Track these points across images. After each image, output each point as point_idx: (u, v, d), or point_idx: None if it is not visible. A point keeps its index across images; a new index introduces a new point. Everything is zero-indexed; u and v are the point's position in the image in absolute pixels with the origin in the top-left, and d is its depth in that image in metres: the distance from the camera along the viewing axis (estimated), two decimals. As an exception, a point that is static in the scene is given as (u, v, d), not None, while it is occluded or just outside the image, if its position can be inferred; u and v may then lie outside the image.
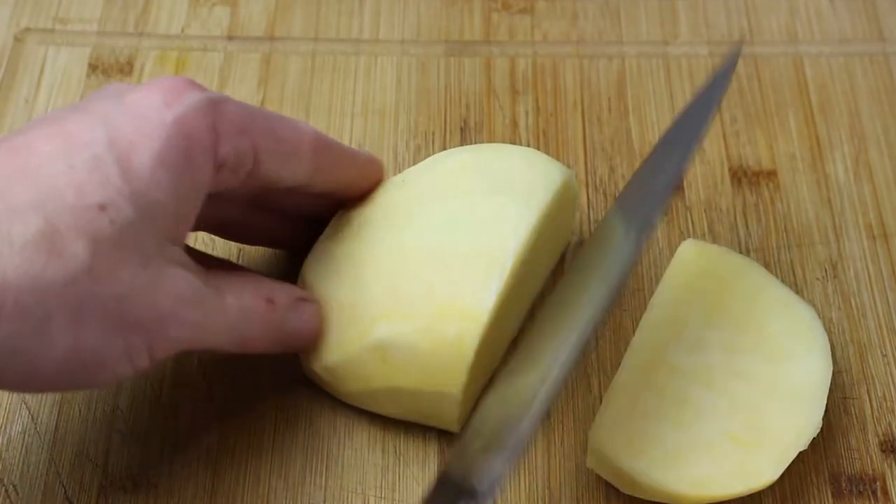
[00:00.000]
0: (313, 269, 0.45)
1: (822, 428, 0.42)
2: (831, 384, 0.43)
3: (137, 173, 0.36)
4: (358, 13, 0.57)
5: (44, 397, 0.45)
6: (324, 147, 0.42)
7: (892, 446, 0.45)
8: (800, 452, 0.42)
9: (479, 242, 0.42)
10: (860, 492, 0.44)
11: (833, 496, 0.44)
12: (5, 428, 0.45)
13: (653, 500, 0.42)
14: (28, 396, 0.45)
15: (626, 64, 0.56)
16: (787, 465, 0.42)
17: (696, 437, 0.42)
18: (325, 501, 0.43)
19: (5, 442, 0.44)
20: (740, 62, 0.56)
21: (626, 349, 0.44)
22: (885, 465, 0.45)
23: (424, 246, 0.42)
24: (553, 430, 0.45)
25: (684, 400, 0.43)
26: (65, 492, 0.43)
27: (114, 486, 0.43)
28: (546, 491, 0.44)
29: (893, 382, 0.47)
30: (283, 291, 0.42)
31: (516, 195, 0.43)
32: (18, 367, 0.35)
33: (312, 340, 0.43)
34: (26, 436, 0.45)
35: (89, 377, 0.37)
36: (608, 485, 0.43)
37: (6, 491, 0.43)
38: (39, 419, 0.45)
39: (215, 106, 0.38)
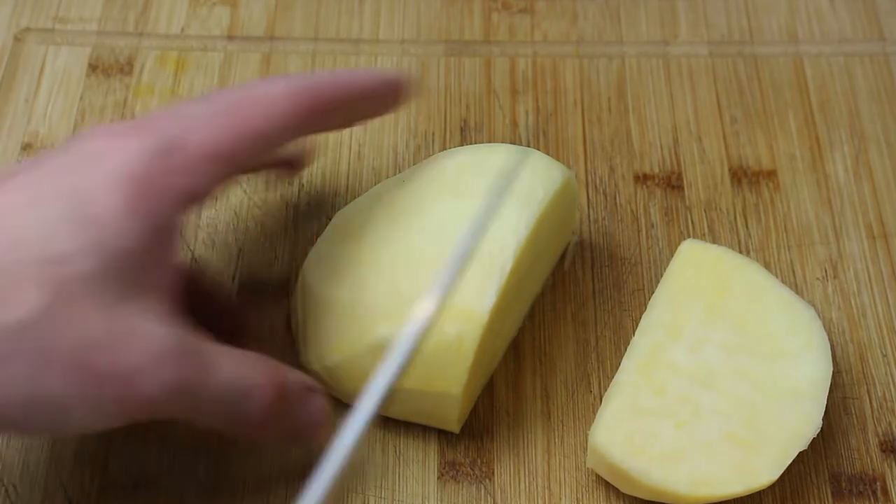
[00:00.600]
0: (314, 269, 0.45)
1: (822, 428, 0.42)
2: (831, 384, 0.44)
3: (100, 224, 0.36)
4: (358, 13, 0.57)
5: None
6: (304, 98, 0.41)
7: (892, 446, 0.45)
8: (800, 452, 0.42)
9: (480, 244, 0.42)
10: (860, 492, 0.44)
11: (833, 496, 0.44)
12: (5, 428, 0.45)
13: (653, 500, 0.42)
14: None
15: (626, 64, 0.56)
16: (787, 465, 0.42)
17: (696, 436, 0.42)
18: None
19: (5, 442, 0.44)
20: (741, 62, 0.56)
21: (626, 349, 0.44)
22: (885, 465, 0.45)
23: (425, 247, 0.42)
24: (553, 430, 0.45)
25: (684, 400, 0.43)
26: (65, 491, 0.43)
27: (114, 486, 0.43)
28: (546, 491, 0.44)
29: (893, 382, 0.47)
30: (295, 376, 0.40)
31: (516, 196, 0.43)
32: None
33: (317, 437, 0.41)
34: (26, 436, 0.45)
35: (56, 425, 0.36)
36: (608, 485, 0.43)
37: (6, 491, 0.43)
38: (39, 419, 0.45)
39: (172, 145, 0.38)
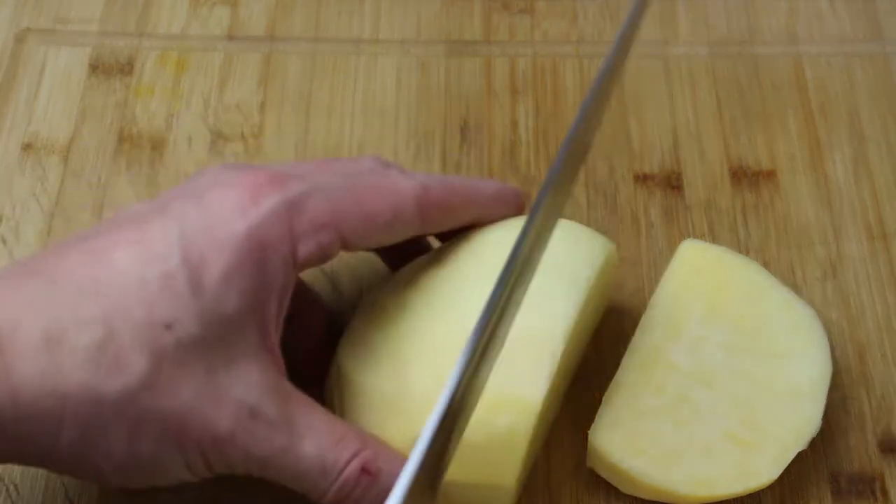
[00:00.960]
0: (349, 356, 0.42)
1: (821, 428, 0.43)
2: (830, 384, 0.44)
3: (207, 289, 0.36)
4: (358, 13, 0.57)
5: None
6: (432, 202, 0.41)
7: (891, 446, 0.45)
8: (799, 452, 0.42)
9: (526, 327, 0.39)
10: (859, 491, 0.44)
11: (832, 496, 0.44)
12: (6, 428, 0.45)
13: (653, 499, 0.42)
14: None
15: (625, 64, 0.56)
16: (787, 464, 0.42)
17: (696, 436, 0.42)
18: (325, 501, 0.43)
19: (6, 442, 0.45)
20: (740, 62, 0.56)
21: (626, 349, 0.44)
22: (885, 464, 0.45)
23: (468, 335, 0.41)
24: (553, 430, 0.45)
25: (684, 400, 0.43)
26: (65, 491, 0.43)
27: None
28: (546, 491, 0.44)
29: (893, 382, 0.47)
30: (389, 455, 0.39)
31: (561, 274, 0.41)
32: (84, 470, 0.37)
33: None
34: (27, 436, 0.45)
35: (153, 480, 0.37)
36: (608, 485, 0.43)
37: (7, 490, 0.43)
38: (40, 419, 0.45)
39: (294, 208, 0.38)
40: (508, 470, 0.40)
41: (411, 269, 0.43)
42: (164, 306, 0.36)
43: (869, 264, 0.50)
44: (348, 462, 0.38)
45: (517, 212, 0.44)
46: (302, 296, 0.44)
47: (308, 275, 0.49)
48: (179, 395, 0.36)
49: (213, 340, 0.36)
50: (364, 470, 0.38)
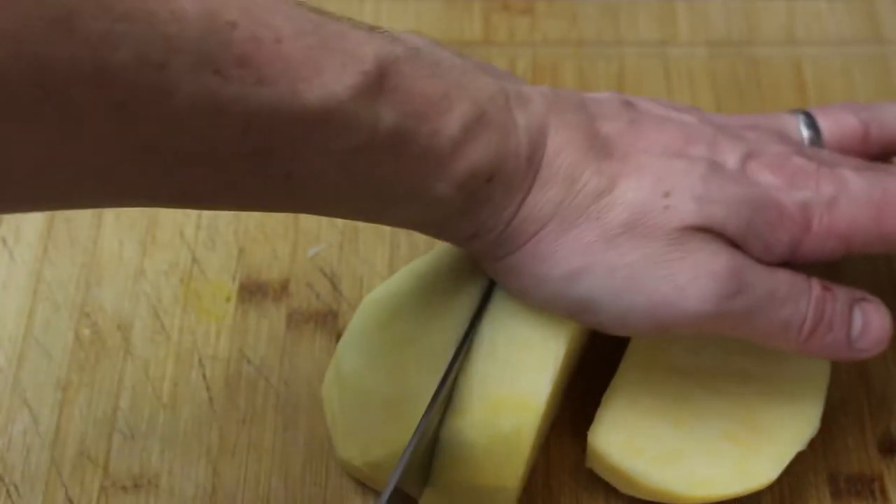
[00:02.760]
0: (348, 359, 0.42)
1: (820, 428, 0.43)
2: (830, 384, 0.44)
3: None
4: (358, 13, 0.57)
5: (45, 397, 0.45)
6: None
7: (890, 446, 0.45)
8: (798, 452, 0.42)
9: (529, 329, 0.40)
10: (858, 492, 0.44)
11: (831, 496, 0.44)
12: (7, 428, 0.45)
13: (652, 500, 0.42)
14: (29, 395, 0.45)
15: (625, 64, 0.56)
16: (786, 465, 0.42)
17: (696, 437, 0.42)
18: (325, 502, 0.44)
19: (7, 442, 0.45)
20: (740, 63, 0.56)
21: (626, 349, 0.44)
22: (884, 465, 0.45)
23: (472, 335, 0.41)
24: (553, 430, 0.45)
25: (684, 400, 0.43)
26: (66, 491, 0.43)
27: (114, 486, 0.44)
28: (546, 491, 0.44)
29: (892, 382, 0.47)
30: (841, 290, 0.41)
31: None
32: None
33: (874, 352, 0.42)
34: (27, 436, 0.45)
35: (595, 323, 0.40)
36: (608, 485, 0.44)
37: (7, 491, 0.43)
38: (41, 419, 0.45)
39: (815, 215, 0.40)
40: (511, 471, 0.40)
41: (411, 269, 0.43)
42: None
43: (869, 264, 0.50)
44: (809, 280, 0.40)
45: None
46: None
47: (308, 274, 0.49)
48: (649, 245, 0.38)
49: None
50: (824, 287, 0.40)
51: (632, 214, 0.38)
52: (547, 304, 0.39)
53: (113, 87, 0.29)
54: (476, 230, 0.38)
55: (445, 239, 0.39)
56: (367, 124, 0.33)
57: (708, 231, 0.38)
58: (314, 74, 0.32)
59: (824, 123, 0.44)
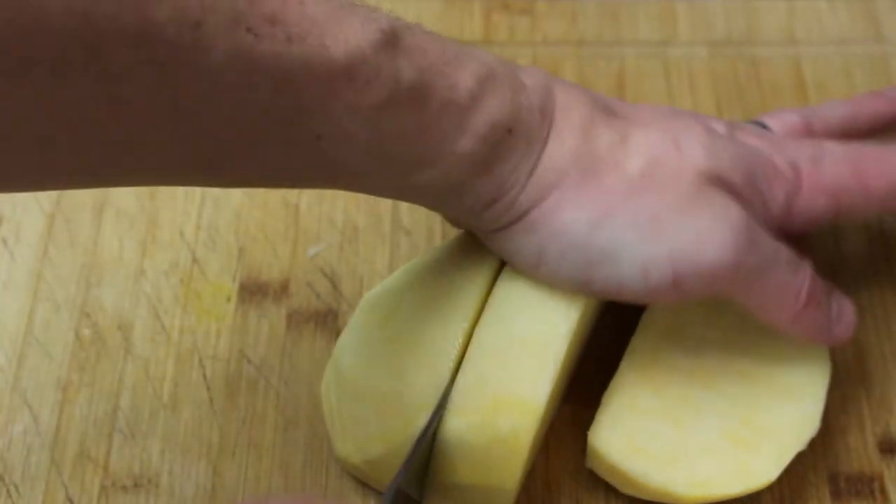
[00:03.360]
0: (347, 356, 0.42)
1: (820, 428, 0.43)
2: (830, 384, 0.44)
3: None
4: (358, 13, 0.57)
5: (45, 397, 0.45)
6: None
7: (890, 446, 0.45)
8: (798, 452, 0.42)
9: (528, 329, 0.40)
10: (858, 492, 0.44)
11: (831, 496, 0.44)
12: (7, 428, 0.45)
13: (652, 500, 0.42)
14: (29, 395, 0.46)
15: (625, 64, 0.56)
16: (786, 465, 0.42)
17: (696, 437, 0.42)
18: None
19: (7, 442, 0.45)
20: (740, 63, 0.56)
21: (625, 349, 0.44)
22: (884, 464, 0.45)
23: (468, 333, 0.41)
24: (553, 430, 0.45)
25: (684, 400, 0.43)
26: (66, 491, 0.43)
27: (114, 486, 0.44)
28: (545, 491, 0.44)
29: (892, 382, 0.47)
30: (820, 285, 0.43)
31: None
32: None
33: (844, 339, 0.44)
34: (28, 436, 0.45)
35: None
36: (608, 485, 0.44)
37: (7, 491, 0.43)
38: (41, 419, 0.45)
39: (802, 171, 0.42)
40: (510, 472, 0.40)
41: (411, 268, 0.43)
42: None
43: (869, 264, 0.50)
44: (801, 256, 0.42)
45: None
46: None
47: (308, 274, 0.49)
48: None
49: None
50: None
51: (648, 161, 0.39)
52: (564, 261, 0.39)
53: (154, 46, 0.30)
54: (497, 192, 0.38)
55: (464, 212, 0.39)
56: (389, 78, 0.35)
57: (717, 184, 0.39)
58: (339, 31, 0.33)
59: (771, 122, 0.46)
